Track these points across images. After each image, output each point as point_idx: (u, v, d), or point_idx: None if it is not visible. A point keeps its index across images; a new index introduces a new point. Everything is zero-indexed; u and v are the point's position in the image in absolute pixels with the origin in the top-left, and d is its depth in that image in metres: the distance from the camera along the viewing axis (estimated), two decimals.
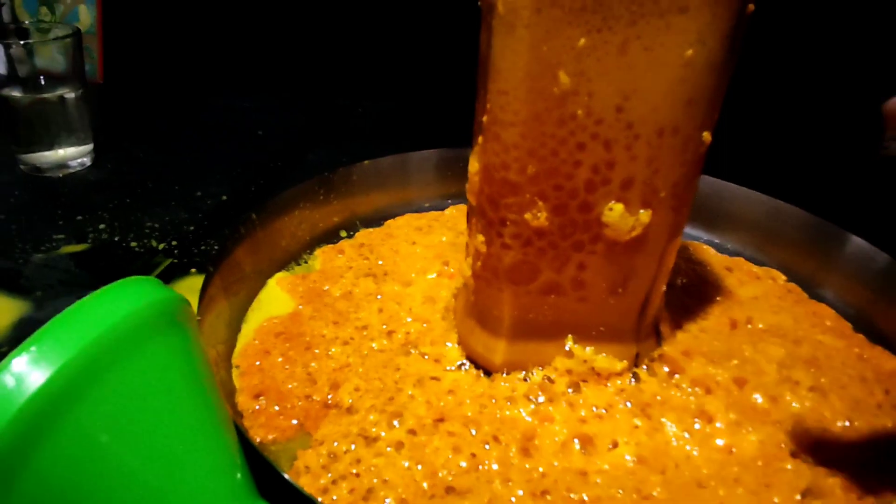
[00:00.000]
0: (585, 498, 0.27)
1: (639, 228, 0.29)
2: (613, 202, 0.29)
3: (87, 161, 0.58)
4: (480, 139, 0.30)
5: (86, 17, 0.81)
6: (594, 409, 0.31)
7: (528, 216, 0.29)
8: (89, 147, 0.58)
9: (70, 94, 0.55)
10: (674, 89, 0.26)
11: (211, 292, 0.34)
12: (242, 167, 0.59)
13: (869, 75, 0.70)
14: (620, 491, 0.27)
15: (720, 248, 0.47)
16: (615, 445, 0.29)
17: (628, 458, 0.29)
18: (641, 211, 0.29)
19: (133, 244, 0.46)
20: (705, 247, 0.47)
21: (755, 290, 0.42)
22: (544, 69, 0.26)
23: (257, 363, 0.34)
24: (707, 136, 0.28)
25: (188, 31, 0.81)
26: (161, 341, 0.22)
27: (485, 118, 0.29)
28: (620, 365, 0.33)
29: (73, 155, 0.57)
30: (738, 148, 0.59)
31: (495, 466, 0.28)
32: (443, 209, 0.50)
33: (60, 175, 0.56)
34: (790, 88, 0.69)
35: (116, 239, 0.47)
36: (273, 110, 0.74)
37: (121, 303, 0.21)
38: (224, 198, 0.53)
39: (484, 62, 0.29)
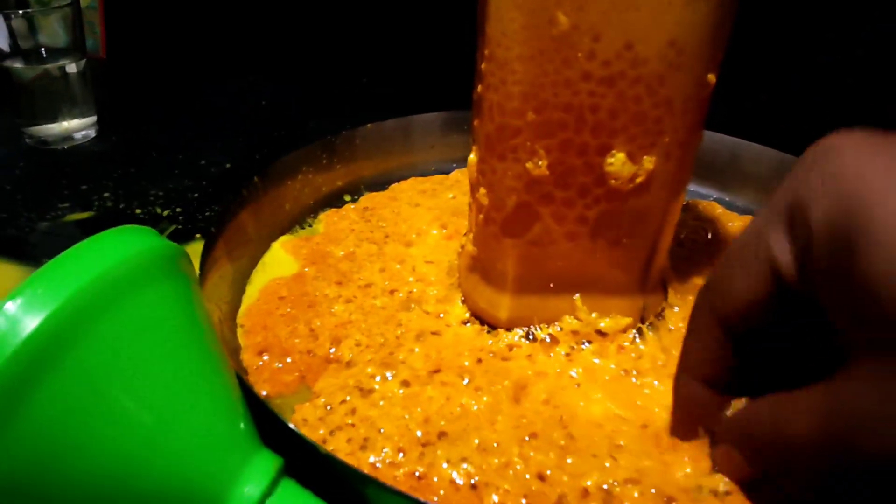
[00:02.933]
0: (562, 444, 0.27)
1: (642, 175, 0.28)
2: (615, 151, 0.28)
3: (91, 133, 0.58)
4: (479, 87, 0.29)
5: None
6: (593, 362, 0.31)
7: (529, 165, 0.28)
8: (93, 119, 0.58)
9: (71, 66, 0.55)
10: (676, 28, 0.26)
11: (215, 254, 0.34)
12: (245, 137, 0.58)
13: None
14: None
15: (730, 206, 0.46)
16: (601, 400, 0.29)
17: (613, 409, 0.29)
18: (645, 157, 0.28)
19: (138, 211, 0.46)
20: (715, 204, 0.46)
21: None
22: (542, 9, 0.25)
23: (261, 322, 0.33)
24: (712, 77, 0.27)
25: (191, 5, 0.81)
26: (158, 288, 0.21)
27: (483, 65, 0.28)
28: (625, 321, 0.32)
29: (76, 127, 0.57)
30: (748, 102, 0.58)
31: (485, 413, 0.28)
32: (447, 172, 0.50)
33: (65, 147, 0.56)
34: (798, 39, 0.67)
35: (121, 207, 0.47)
36: (276, 82, 0.73)
37: (117, 248, 0.21)
38: (227, 165, 0.53)
39: (482, 6, 0.28)
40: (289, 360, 0.31)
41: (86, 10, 0.80)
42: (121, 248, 0.21)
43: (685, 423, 0.27)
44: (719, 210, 0.45)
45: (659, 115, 0.27)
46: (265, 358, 0.31)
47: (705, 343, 0.25)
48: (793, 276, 0.20)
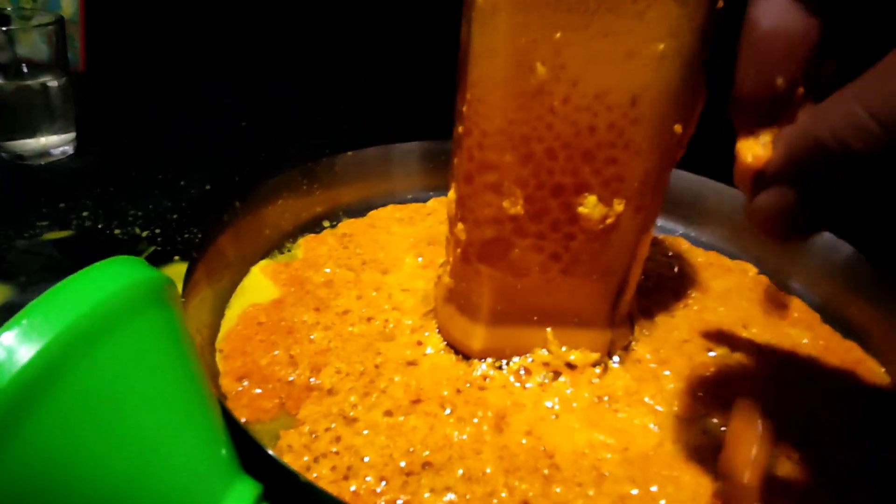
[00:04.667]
0: (546, 473, 0.28)
1: (612, 217, 0.30)
2: (587, 193, 0.30)
3: (69, 149, 0.58)
4: (460, 128, 0.31)
5: (68, 5, 0.80)
6: (566, 392, 0.32)
7: (505, 203, 0.30)
8: (72, 135, 0.58)
9: (52, 83, 0.55)
10: (647, 82, 0.27)
11: (195, 278, 0.35)
12: (226, 157, 0.59)
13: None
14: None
15: (696, 242, 0.48)
16: (581, 429, 0.31)
17: (593, 436, 0.30)
18: (615, 200, 0.30)
19: (117, 231, 0.46)
20: (682, 240, 0.48)
21: (728, 282, 0.44)
22: (522, 61, 0.27)
23: (240, 347, 0.34)
24: (678, 128, 0.29)
25: (171, 20, 0.81)
26: (147, 319, 0.22)
27: (465, 108, 0.30)
28: (594, 356, 0.34)
29: (55, 143, 0.57)
30: (714, 143, 0.61)
31: (469, 443, 0.29)
32: (425, 201, 0.51)
33: (42, 163, 0.56)
34: None
35: (100, 226, 0.47)
36: (257, 101, 0.74)
37: (108, 280, 0.21)
38: (207, 187, 0.53)
39: (464, 53, 0.29)
40: (269, 386, 0.32)
41: (66, 24, 0.80)
42: (112, 280, 0.21)
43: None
44: (685, 245, 0.47)
45: (628, 161, 0.29)
46: (245, 384, 0.32)
47: None
48: None
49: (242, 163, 0.58)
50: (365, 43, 0.78)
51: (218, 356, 0.34)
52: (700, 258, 0.46)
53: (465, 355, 0.34)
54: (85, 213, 0.48)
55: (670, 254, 0.46)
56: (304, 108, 0.73)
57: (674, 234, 0.49)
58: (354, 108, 0.74)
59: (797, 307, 0.41)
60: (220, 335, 0.35)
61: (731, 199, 0.48)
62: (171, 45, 0.82)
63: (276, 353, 0.34)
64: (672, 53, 0.27)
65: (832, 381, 0.35)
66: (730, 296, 0.42)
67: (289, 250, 0.45)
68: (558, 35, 0.26)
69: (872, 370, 0.36)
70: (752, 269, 0.45)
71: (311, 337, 0.35)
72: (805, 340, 0.38)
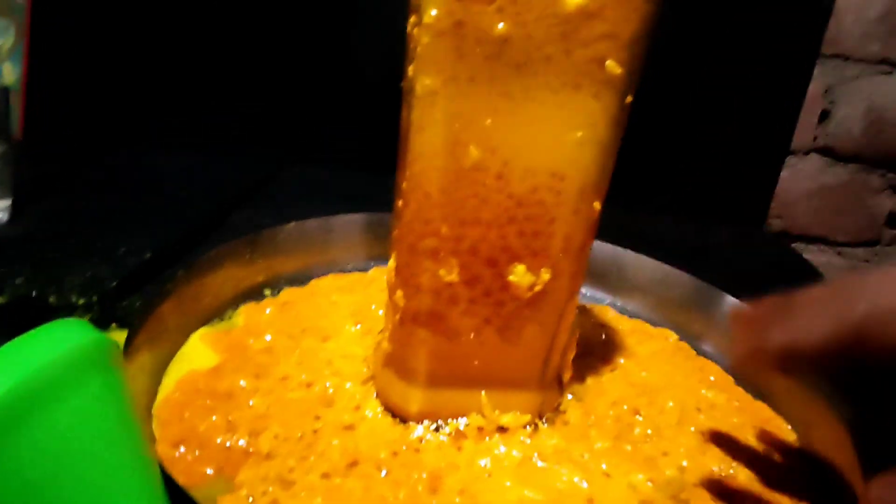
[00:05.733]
0: None
1: (539, 285, 0.32)
2: (517, 263, 0.32)
3: (3, 217, 0.57)
4: (400, 203, 0.33)
5: (9, 73, 0.80)
6: (498, 452, 0.34)
7: (441, 272, 0.32)
8: (7, 202, 0.57)
9: None
10: (569, 164, 0.31)
11: (135, 345, 0.35)
12: (166, 226, 0.59)
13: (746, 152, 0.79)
14: None
15: (621, 310, 0.51)
16: (512, 486, 0.32)
17: (524, 493, 0.32)
18: (542, 270, 0.32)
19: (52, 299, 0.46)
20: (608, 309, 0.51)
21: (651, 348, 0.46)
22: (457, 143, 0.30)
23: (178, 413, 0.34)
24: (597, 205, 0.32)
25: (113, 90, 0.82)
26: (91, 382, 0.23)
27: (404, 183, 0.32)
28: (524, 418, 0.36)
29: None
30: (633, 215, 0.65)
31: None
32: (366, 270, 0.53)
33: None
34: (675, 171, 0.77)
35: (35, 294, 0.46)
36: (197, 170, 0.75)
37: (52, 343, 0.22)
38: (147, 255, 0.53)
39: (404, 132, 0.32)
40: (206, 451, 0.32)
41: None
42: (56, 343, 0.22)
43: None
44: (612, 314, 0.50)
45: (554, 234, 0.32)
46: (181, 450, 0.32)
47: None
48: None
49: (182, 232, 0.59)
50: (307, 117, 0.81)
51: (154, 422, 0.34)
52: (625, 325, 0.49)
53: (403, 418, 0.36)
54: (18, 281, 0.47)
55: (598, 321, 0.49)
56: (246, 178, 0.74)
57: (601, 304, 0.52)
58: (296, 180, 0.76)
59: (713, 371, 0.44)
60: (157, 401, 0.35)
61: (652, 270, 0.52)
62: (110, 115, 0.83)
63: (213, 418, 0.34)
64: (590, 140, 0.30)
65: (746, 439, 0.38)
66: (653, 360, 0.44)
67: (229, 318, 0.45)
68: (489, 121, 0.29)
69: (780, 427, 0.39)
70: (672, 336, 0.48)
71: (250, 402, 0.36)
72: (721, 402, 0.41)
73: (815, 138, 0.83)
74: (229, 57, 0.79)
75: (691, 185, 0.81)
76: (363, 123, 0.78)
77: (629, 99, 0.30)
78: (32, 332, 0.22)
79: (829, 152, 0.83)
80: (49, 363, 0.21)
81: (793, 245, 0.87)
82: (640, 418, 0.38)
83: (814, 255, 0.88)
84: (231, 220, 0.63)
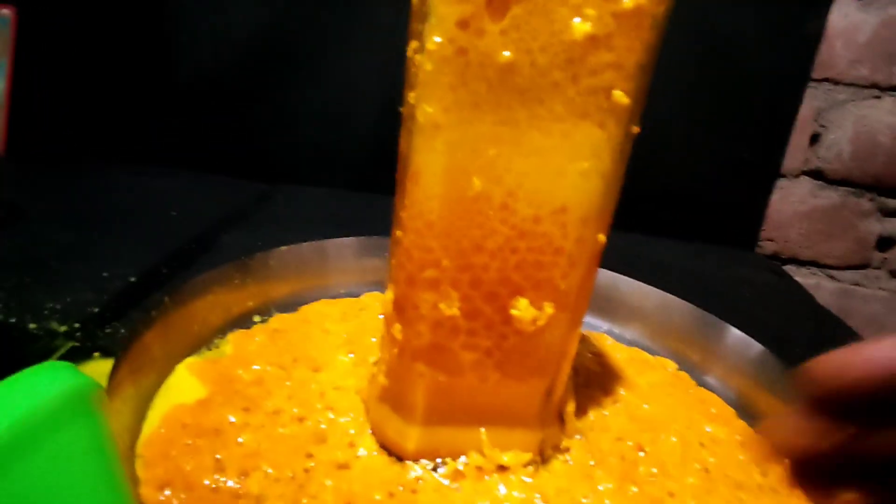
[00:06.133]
0: None
1: (543, 319, 0.31)
2: (519, 296, 0.31)
3: None
4: (398, 232, 0.32)
5: None
6: (498, 493, 0.32)
7: (442, 305, 0.31)
8: None
9: None
10: (574, 195, 0.30)
11: (119, 377, 0.33)
12: (154, 248, 0.58)
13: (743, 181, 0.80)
14: None
15: (619, 338, 0.50)
16: None
17: None
18: (545, 303, 0.31)
19: (32, 326, 0.44)
20: (606, 336, 0.50)
21: (651, 378, 0.45)
22: (460, 174, 0.29)
23: (163, 452, 0.32)
24: (602, 237, 0.31)
25: (102, 106, 0.81)
26: (74, 429, 0.21)
27: (403, 213, 0.31)
28: (525, 457, 0.35)
29: None
30: (624, 237, 0.65)
31: None
32: (358, 296, 0.52)
33: None
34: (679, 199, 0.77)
35: (13, 320, 0.44)
36: (189, 191, 0.74)
37: (34, 390, 0.20)
38: (133, 279, 0.52)
39: (403, 159, 0.31)
40: (193, 494, 0.30)
41: None
42: (39, 389, 0.21)
43: None
44: (609, 342, 0.49)
45: (558, 267, 0.31)
46: (167, 493, 0.30)
47: None
48: None
49: (170, 255, 0.57)
50: (301, 137, 0.80)
51: (138, 462, 0.32)
52: (623, 354, 0.48)
53: (399, 457, 0.34)
54: None
55: (596, 350, 0.48)
56: (237, 200, 0.73)
57: (598, 331, 0.51)
58: (290, 202, 0.74)
59: (713, 402, 0.44)
60: (141, 439, 0.34)
61: (649, 296, 0.51)
62: (98, 132, 0.81)
63: (201, 457, 0.32)
64: (595, 171, 0.29)
65: (749, 475, 0.37)
66: (654, 392, 0.43)
67: (217, 346, 0.43)
68: (492, 151, 0.28)
69: (786, 463, 0.38)
70: (671, 365, 0.47)
71: (239, 439, 0.34)
72: (723, 436, 0.40)
73: (805, 161, 0.83)
74: (221, 77, 0.78)
75: (682, 208, 0.81)
76: (357, 144, 0.77)
77: (635, 129, 0.30)
78: (15, 376, 0.21)
79: (820, 175, 0.83)
80: (30, 411, 0.20)
81: (784, 267, 0.87)
82: (643, 454, 0.37)
83: (805, 277, 0.88)
84: (221, 243, 0.62)
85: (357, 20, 0.74)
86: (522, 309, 0.31)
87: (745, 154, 0.79)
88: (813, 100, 0.80)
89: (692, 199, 0.81)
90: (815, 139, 0.82)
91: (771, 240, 0.87)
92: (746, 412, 0.43)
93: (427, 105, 0.28)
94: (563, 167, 0.29)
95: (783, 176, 0.84)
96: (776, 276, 0.78)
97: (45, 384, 0.21)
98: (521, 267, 0.31)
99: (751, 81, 0.77)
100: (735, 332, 0.46)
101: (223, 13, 0.75)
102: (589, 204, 0.30)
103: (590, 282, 0.33)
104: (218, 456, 0.33)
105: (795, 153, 0.82)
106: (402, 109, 0.31)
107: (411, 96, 0.29)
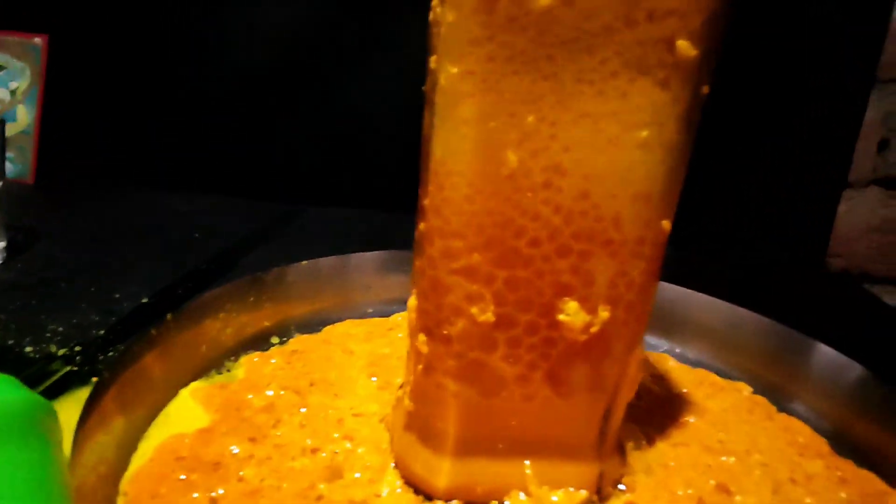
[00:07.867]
0: None
1: (597, 325, 0.26)
2: (567, 298, 0.26)
3: None
4: (422, 225, 0.27)
5: (24, 116, 0.78)
6: None
7: (474, 310, 0.25)
8: (2, 244, 0.53)
9: None
10: (630, 173, 0.24)
11: (102, 403, 0.29)
12: (170, 269, 0.54)
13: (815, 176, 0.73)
14: None
15: (681, 358, 0.44)
16: None
17: None
18: (599, 306, 0.26)
19: (28, 349, 0.40)
20: (667, 356, 0.44)
21: (723, 403, 0.39)
22: (491, 147, 0.24)
23: (150, 489, 0.28)
24: (667, 224, 0.26)
25: (130, 132, 0.80)
26: (8, 449, 0.17)
27: (426, 201, 0.26)
28: (581, 495, 0.29)
29: None
30: (698, 250, 0.59)
31: None
32: (388, 315, 0.47)
33: None
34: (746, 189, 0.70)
35: (10, 343, 0.41)
36: (209, 213, 0.71)
37: None
38: (144, 300, 0.48)
39: (427, 143, 0.26)
40: None
41: (19, 135, 0.78)
42: None
43: None
44: (671, 363, 0.43)
45: (613, 262, 0.25)
46: None
47: None
48: None
49: (188, 275, 0.54)
50: (325, 155, 0.77)
51: (120, 501, 0.27)
52: (689, 376, 0.41)
53: (428, 495, 0.29)
54: None
55: (657, 372, 0.41)
56: (259, 221, 0.69)
57: (657, 350, 0.45)
58: (313, 223, 0.71)
59: (801, 431, 0.37)
60: (127, 473, 0.29)
61: (716, 311, 0.44)
62: (126, 158, 0.80)
63: (194, 495, 0.28)
64: (656, 141, 0.24)
65: None
66: (729, 419, 0.37)
67: (228, 370, 0.39)
68: (531, 118, 0.23)
69: None
70: (746, 389, 0.40)
71: (241, 474, 0.29)
72: (818, 470, 0.33)
73: (874, 169, 0.76)
74: (241, 99, 0.76)
75: (743, 223, 0.75)
76: (380, 164, 0.74)
77: (705, 90, 0.24)
78: None
79: (891, 183, 0.76)
80: None
81: None
82: (726, 494, 0.31)
83: (879, 295, 0.80)
84: (241, 263, 0.58)
85: (381, 40, 0.71)
86: (572, 313, 0.26)
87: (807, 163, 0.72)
88: (879, 102, 0.74)
89: (752, 214, 0.74)
90: (883, 145, 0.75)
91: (839, 255, 0.79)
92: (842, 443, 0.36)
93: (451, 65, 0.23)
94: (619, 136, 0.24)
95: (850, 186, 0.77)
96: (855, 291, 0.70)
97: None
98: (567, 261, 0.25)
99: (812, 85, 0.71)
100: (827, 351, 0.39)
101: (247, 40, 0.73)
102: (650, 182, 0.25)
103: (653, 281, 0.27)
104: (213, 494, 0.28)
105: (863, 161, 0.75)
106: (424, 88, 0.27)
107: (433, 60, 0.25)
